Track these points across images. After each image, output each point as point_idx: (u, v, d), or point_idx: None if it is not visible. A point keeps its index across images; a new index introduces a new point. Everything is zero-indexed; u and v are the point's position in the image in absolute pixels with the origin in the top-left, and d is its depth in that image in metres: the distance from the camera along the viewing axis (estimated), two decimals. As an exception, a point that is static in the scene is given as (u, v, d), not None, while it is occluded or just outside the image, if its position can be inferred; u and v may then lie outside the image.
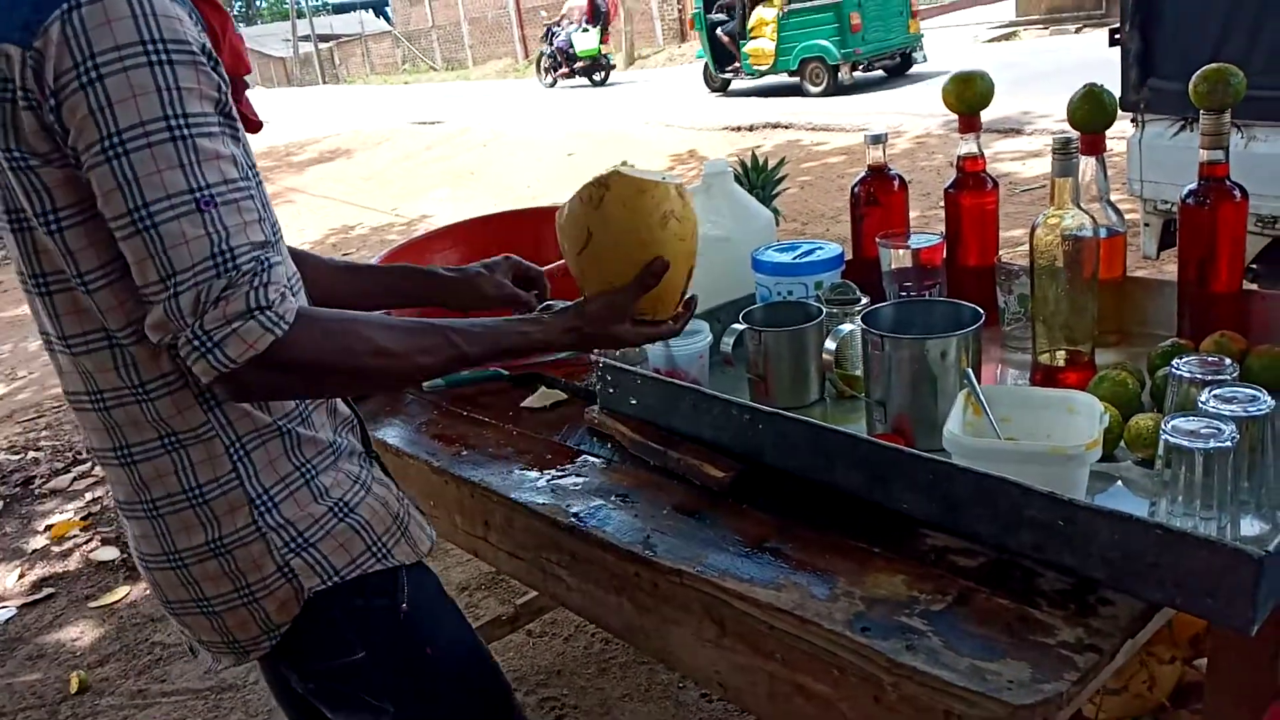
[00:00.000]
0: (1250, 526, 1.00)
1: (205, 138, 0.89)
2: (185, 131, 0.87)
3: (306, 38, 36.92)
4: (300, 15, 38.95)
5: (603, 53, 16.86)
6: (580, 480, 1.32)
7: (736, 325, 1.42)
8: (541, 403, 1.57)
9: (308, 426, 1.09)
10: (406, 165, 11.94)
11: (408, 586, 1.14)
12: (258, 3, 55.62)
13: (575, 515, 1.23)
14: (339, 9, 47.14)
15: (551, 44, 17.19)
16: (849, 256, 1.64)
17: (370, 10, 42.67)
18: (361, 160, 13.03)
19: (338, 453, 1.11)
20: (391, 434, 1.57)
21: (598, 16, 16.82)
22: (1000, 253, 1.57)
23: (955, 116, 1.57)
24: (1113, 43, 3.36)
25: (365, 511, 1.11)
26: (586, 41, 16.61)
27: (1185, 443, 0.95)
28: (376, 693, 1.14)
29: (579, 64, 16.73)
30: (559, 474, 1.34)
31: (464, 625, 1.26)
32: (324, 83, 34.17)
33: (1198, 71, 1.31)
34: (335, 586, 1.08)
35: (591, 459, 1.38)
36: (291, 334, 0.91)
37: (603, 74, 16.89)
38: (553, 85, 17.21)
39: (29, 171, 0.91)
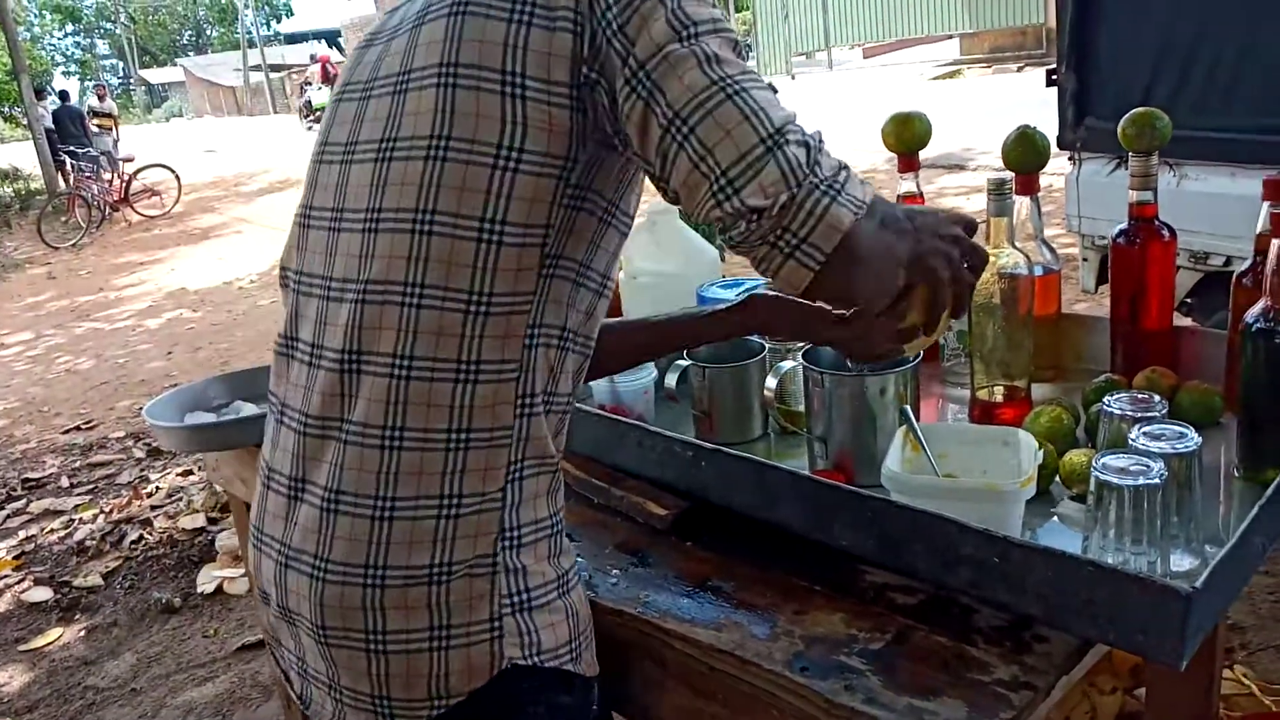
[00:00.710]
0: (1180, 561, 1.02)
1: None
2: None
3: (257, 67, 36.70)
4: (251, 44, 38.72)
5: None
6: (522, 519, 1.30)
7: (681, 361, 1.43)
8: (485, 439, 1.56)
9: (560, 477, 0.98)
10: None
11: (597, 704, 1.01)
12: (208, 31, 55.25)
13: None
14: (291, 39, 47.00)
15: (302, 97, 23.62)
16: (793, 292, 1.66)
17: (323, 40, 42.52)
18: (312, 190, 12.92)
19: (564, 521, 1.01)
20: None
21: (329, 78, 22.80)
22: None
23: (896, 154, 1.60)
24: (1050, 83, 3.45)
25: (576, 597, 0.99)
26: (320, 97, 22.36)
27: (1115, 479, 0.96)
28: None
29: (317, 114, 22.00)
30: (501, 512, 1.33)
31: None
32: (275, 112, 33.93)
33: (1126, 115, 1.35)
34: (532, 669, 0.93)
35: (534, 497, 1.36)
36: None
37: None
38: (310, 129, 21.37)
39: (521, 100, 0.86)
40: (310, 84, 24.13)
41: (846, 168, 0.86)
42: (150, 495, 4.17)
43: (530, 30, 0.86)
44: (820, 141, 0.86)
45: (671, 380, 1.41)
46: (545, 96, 0.86)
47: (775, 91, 0.88)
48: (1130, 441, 1.03)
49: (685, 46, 0.83)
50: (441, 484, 0.90)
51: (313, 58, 28.32)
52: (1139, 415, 1.09)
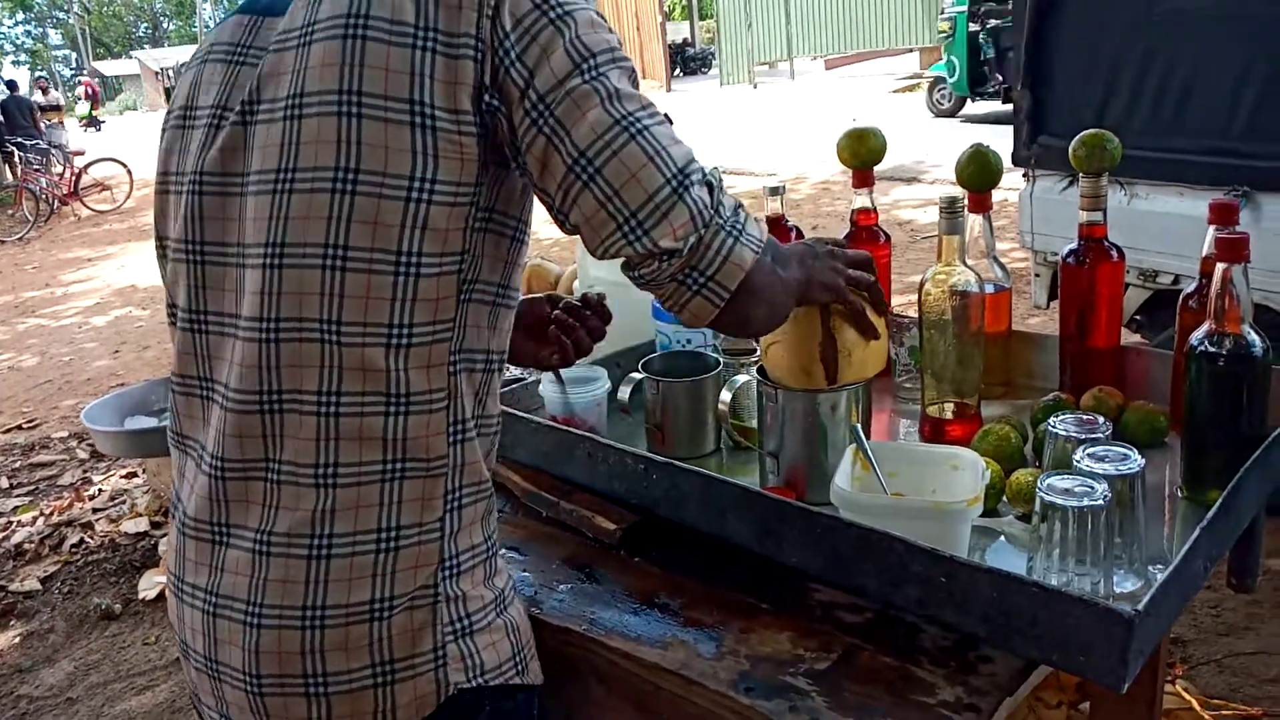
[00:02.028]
0: (1123, 582, 1.03)
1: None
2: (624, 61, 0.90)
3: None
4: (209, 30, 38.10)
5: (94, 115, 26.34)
6: (469, 532, 1.28)
7: (635, 374, 1.41)
8: (433, 449, 1.53)
9: (493, 500, 0.98)
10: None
11: (538, 709, 1.01)
12: (164, 24, 54.40)
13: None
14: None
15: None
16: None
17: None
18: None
19: (499, 543, 1.01)
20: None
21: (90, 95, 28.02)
22: (891, 306, 1.60)
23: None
24: (1005, 100, 3.50)
25: (515, 612, 0.98)
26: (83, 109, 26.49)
27: (1059, 500, 0.97)
28: None
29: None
30: (447, 525, 1.31)
31: None
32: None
33: (1076, 137, 1.36)
34: (477, 690, 0.92)
35: (482, 509, 1.34)
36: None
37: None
38: None
39: (431, 132, 0.84)
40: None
41: (742, 206, 0.92)
42: (92, 498, 4.07)
43: (435, 58, 0.84)
44: (719, 181, 0.91)
45: (625, 392, 1.40)
46: (454, 126, 0.85)
47: (671, 122, 0.91)
48: (1075, 463, 1.03)
49: (586, 81, 0.84)
50: (379, 517, 0.88)
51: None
52: (1084, 436, 1.09)
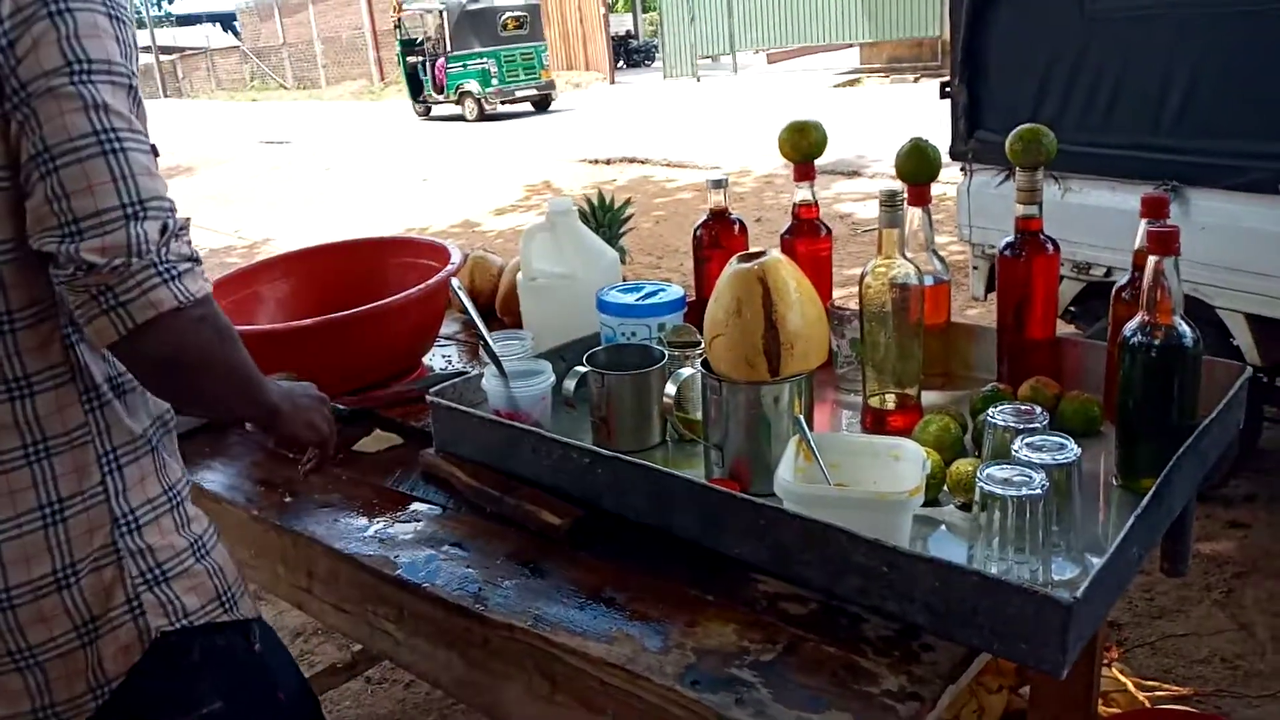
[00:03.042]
0: (1062, 569, 1.05)
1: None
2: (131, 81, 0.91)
3: (147, 49, 35.22)
4: (141, 25, 37.17)
5: None
6: (411, 529, 1.26)
7: (579, 368, 1.40)
8: (374, 446, 1.51)
9: (168, 452, 1.05)
10: (252, 185, 11.49)
11: (258, 629, 1.11)
12: (93, 10, 52.62)
13: (403, 567, 1.17)
14: (183, 20, 45.22)
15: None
16: (693, 298, 1.65)
17: (217, 24, 41.06)
18: (204, 178, 12.47)
19: (187, 488, 1.08)
20: (210, 477, 1.47)
21: None
22: (833, 298, 1.61)
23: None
24: (943, 95, 3.55)
25: (218, 556, 1.07)
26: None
27: (998, 490, 0.98)
28: None
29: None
30: (388, 522, 1.29)
31: (301, 673, 1.24)
32: (165, 96, 32.63)
33: (1013, 132, 1.38)
34: (183, 630, 1.00)
35: (424, 506, 1.33)
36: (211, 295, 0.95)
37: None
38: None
39: None
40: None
41: (195, 260, 0.93)
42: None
43: None
44: (181, 228, 0.92)
45: (569, 386, 1.39)
46: None
47: (157, 155, 0.94)
48: (1013, 452, 1.05)
49: (73, 83, 0.86)
50: (37, 496, 0.93)
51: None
52: (1022, 426, 1.11)
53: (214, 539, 1.08)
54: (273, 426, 1.16)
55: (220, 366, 0.98)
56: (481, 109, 16.05)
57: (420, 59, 17.08)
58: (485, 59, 16.00)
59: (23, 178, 0.88)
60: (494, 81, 15.99)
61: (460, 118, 16.38)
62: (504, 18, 16.61)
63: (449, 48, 16.37)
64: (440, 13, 16.51)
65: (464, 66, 16.10)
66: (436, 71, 16.69)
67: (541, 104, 16.70)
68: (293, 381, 1.27)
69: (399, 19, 17.90)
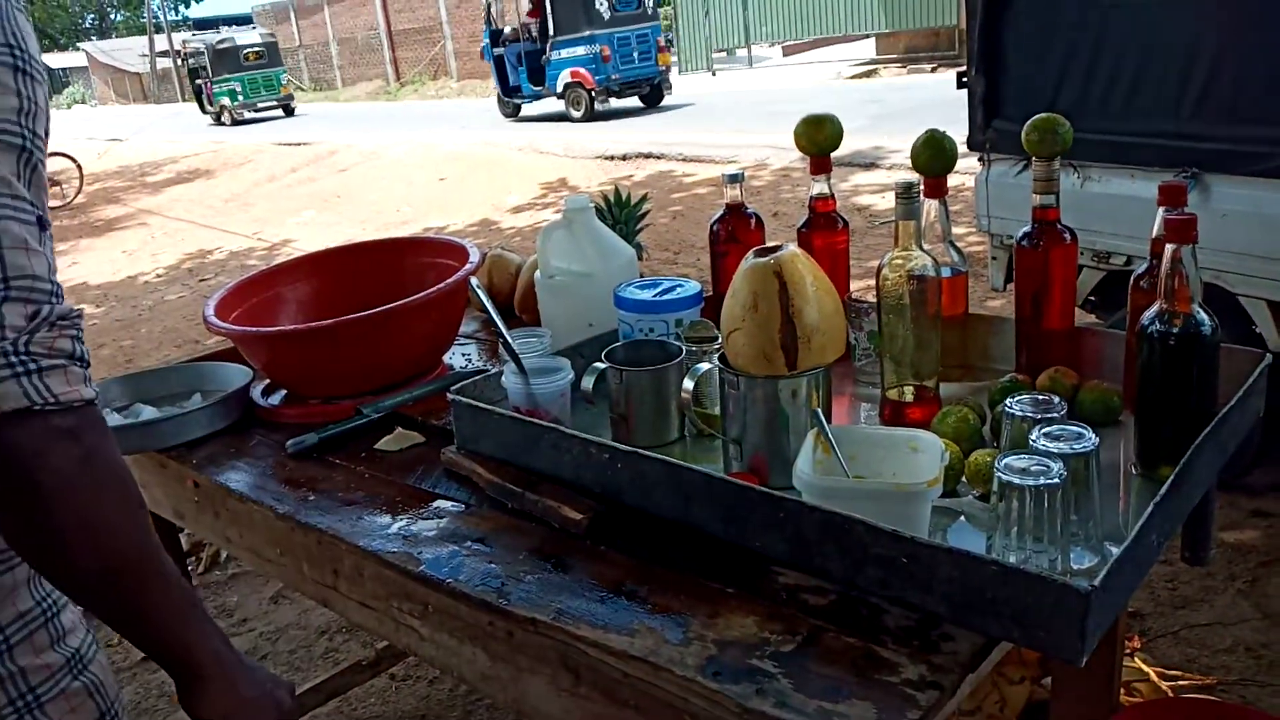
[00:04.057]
0: (1080, 559, 1.05)
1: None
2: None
3: (165, 53, 35.48)
4: (158, 30, 37.42)
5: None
6: (434, 525, 1.28)
7: (598, 364, 1.42)
8: (397, 445, 1.52)
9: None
10: (270, 187, 11.58)
11: None
12: (112, 15, 53.26)
13: (427, 563, 1.19)
14: (200, 24, 45.48)
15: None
16: (710, 293, 1.66)
17: (233, 26, 41.27)
18: (223, 181, 12.57)
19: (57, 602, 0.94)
20: (235, 477, 1.49)
21: None
22: (850, 291, 1.62)
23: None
24: (960, 85, 3.53)
25: (97, 669, 0.94)
26: None
27: (1016, 480, 0.98)
28: None
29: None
30: (412, 519, 1.30)
31: None
32: (184, 100, 32.85)
33: (1029, 121, 1.38)
34: None
35: (446, 503, 1.34)
36: (95, 408, 0.78)
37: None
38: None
39: None
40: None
41: (77, 360, 0.78)
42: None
43: None
44: (64, 319, 0.77)
45: (588, 383, 1.40)
46: None
47: (44, 228, 0.79)
48: (1031, 442, 1.05)
49: None
50: None
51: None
52: (1039, 416, 1.11)
53: (92, 650, 0.95)
54: (191, 691, 0.89)
55: (86, 510, 0.76)
56: (234, 117, 22.07)
57: (199, 80, 23.57)
58: (234, 82, 22.40)
59: None
60: (239, 97, 22.45)
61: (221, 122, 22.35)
62: (245, 52, 22.87)
63: (211, 75, 22.72)
64: (204, 50, 23.10)
65: (223, 86, 22.43)
66: (207, 89, 22.94)
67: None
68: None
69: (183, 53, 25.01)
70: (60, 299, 0.78)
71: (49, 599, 0.91)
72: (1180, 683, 2.20)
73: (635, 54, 14.32)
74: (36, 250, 0.76)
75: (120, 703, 0.96)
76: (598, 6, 14.36)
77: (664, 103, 14.67)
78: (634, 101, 14.75)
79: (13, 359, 0.73)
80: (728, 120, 11.89)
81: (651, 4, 14.91)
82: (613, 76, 14.02)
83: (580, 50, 14.16)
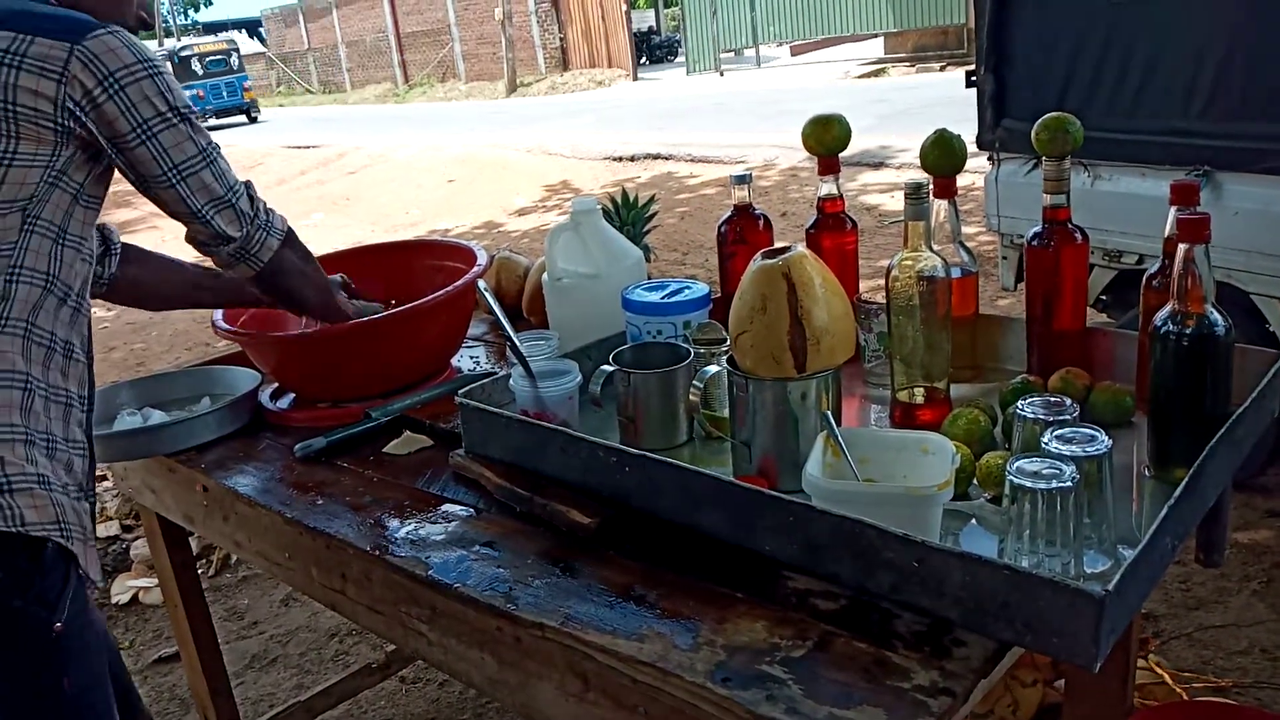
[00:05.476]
0: (1094, 562, 1.04)
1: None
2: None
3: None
4: (168, 34, 37.60)
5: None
6: (442, 529, 1.28)
7: (606, 366, 1.41)
8: (405, 448, 1.52)
9: (43, 406, 1.21)
10: (280, 190, 11.59)
11: (70, 605, 1.19)
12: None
13: (435, 567, 1.18)
14: (210, 28, 45.69)
15: None
16: (718, 294, 1.65)
17: (243, 30, 41.44)
18: (232, 185, 12.58)
19: (55, 449, 1.22)
20: (244, 482, 1.49)
21: None
22: (860, 292, 1.61)
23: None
24: (969, 84, 3.52)
25: (62, 499, 1.20)
26: None
27: (1028, 483, 0.97)
28: None
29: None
30: (420, 523, 1.30)
31: (106, 685, 1.28)
32: (193, 104, 32.99)
33: (1038, 121, 1.37)
34: (14, 536, 1.13)
35: (454, 507, 1.34)
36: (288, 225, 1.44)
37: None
38: None
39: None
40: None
41: (270, 211, 1.40)
42: (60, 503, 4.00)
43: (19, 74, 1.18)
44: (255, 192, 1.38)
45: (596, 385, 1.40)
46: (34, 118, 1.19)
47: (219, 152, 1.33)
48: (1043, 445, 1.04)
49: (170, 126, 1.26)
50: None
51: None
52: (1051, 418, 1.10)
53: (61, 491, 1.20)
54: (328, 319, 1.59)
55: (308, 274, 1.49)
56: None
57: None
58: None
59: (147, 189, 1.30)
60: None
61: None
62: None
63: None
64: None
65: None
66: None
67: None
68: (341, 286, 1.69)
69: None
70: (243, 182, 1.37)
71: (31, 430, 1.19)
72: (1195, 685, 2.18)
73: (225, 94, 23.25)
74: (230, 167, 1.35)
75: (83, 538, 1.22)
76: (194, 67, 23.13)
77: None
78: (240, 119, 23.29)
79: (264, 226, 1.38)
80: (732, 120, 11.88)
81: (238, 63, 23.95)
82: (208, 109, 22.35)
83: (189, 93, 20.67)
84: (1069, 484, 0.97)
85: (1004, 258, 3.53)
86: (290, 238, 1.42)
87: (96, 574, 1.26)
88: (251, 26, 40.55)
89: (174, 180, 1.27)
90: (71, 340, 1.27)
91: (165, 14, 38.91)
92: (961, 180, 1.50)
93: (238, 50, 24.90)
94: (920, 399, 1.38)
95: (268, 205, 1.38)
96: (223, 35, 29.32)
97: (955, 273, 1.41)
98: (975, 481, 1.19)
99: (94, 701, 1.25)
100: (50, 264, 1.23)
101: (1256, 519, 2.87)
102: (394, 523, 1.31)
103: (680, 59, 22.37)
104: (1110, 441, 1.04)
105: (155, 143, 1.24)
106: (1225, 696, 2.18)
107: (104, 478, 4.09)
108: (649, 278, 1.72)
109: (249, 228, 1.34)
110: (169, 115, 1.25)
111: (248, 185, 1.37)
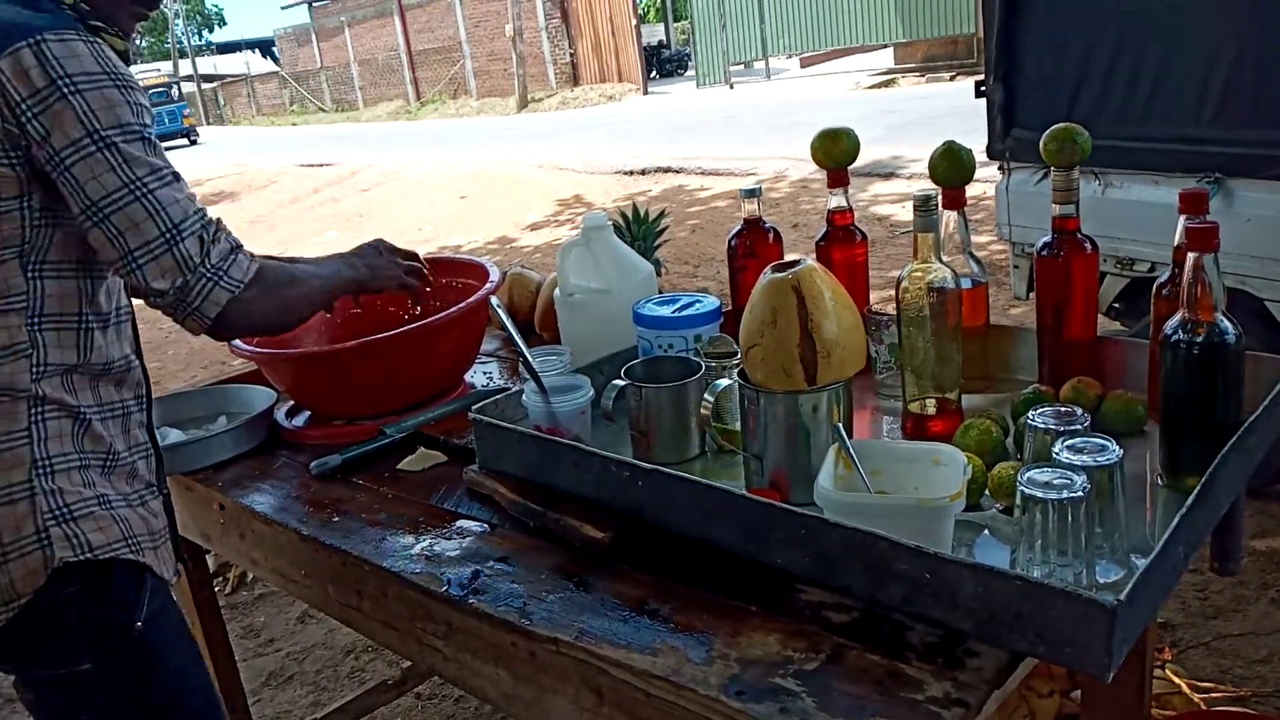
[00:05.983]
0: (1105, 572, 1.04)
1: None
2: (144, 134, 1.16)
3: (190, 77, 35.98)
4: (183, 54, 37.98)
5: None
6: (457, 545, 1.28)
7: (618, 381, 1.42)
8: (419, 465, 1.53)
9: (101, 426, 1.21)
10: (294, 208, 11.69)
11: (148, 604, 1.22)
12: (138, 41, 54.02)
13: (450, 583, 1.19)
14: (224, 48, 46.15)
15: None
16: (729, 308, 1.66)
17: (256, 50, 41.82)
18: (247, 203, 12.70)
19: (116, 463, 1.23)
20: (260, 500, 1.50)
21: None
22: (870, 303, 1.61)
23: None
24: (979, 94, 3.52)
25: (126, 513, 1.21)
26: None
27: (1039, 493, 0.98)
28: (98, 713, 1.19)
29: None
30: (434, 539, 1.31)
31: (200, 663, 1.34)
32: (208, 123, 33.32)
33: (1047, 131, 1.38)
34: (84, 563, 1.15)
35: (468, 523, 1.34)
36: (258, 264, 1.23)
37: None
38: None
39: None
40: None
41: (235, 248, 1.20)
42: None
43: None
44: (217, 231, 1.19)
45: (608, 400, 1.41)
46: None
47: (178, 179, 1.17)
48: (1054, 455, 1.04)
49: (98, 149, 1.11)
50: None
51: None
52: (1062, 428, 1.10)
53: (123, 504, 1.21)
54: (364, 292, 1.51)
55: (290, 306, 1.31)
56: None
57: None
58: None
59: (80, 224, 1.14)
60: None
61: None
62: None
63: None
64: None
65: None
66: None
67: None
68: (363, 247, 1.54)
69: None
70: (205, 216, 1.18)
71: (86, 454, 1.19)
72: (1213, 695, 2.17)
73: (166, 120, 25.71)
74: (179, 198, 1.16)
75: (152, 542, 1.25)
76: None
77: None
78: (182, 142, 25.82)
79: (210, 274, 1.16)
80: (742, 133, 11.90)
81: (178, 94, 27.20)
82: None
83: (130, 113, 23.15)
84: (1080, 494, 0.97)
85: (1015, 267, 3.53)
86: (257, 280, 1.21)
87: (170, 573, 1.28)
88: (265, 46, 40.91)
89: (93, 218, 1.11)
90: (114, 356, 1.24)
91: (180, 35, 39.31)
92: (972, 190, 1.51)
93: (178, 83, 29.53)
94: (932, 410, 1.38)
95: (235, 248, 1.20)
96: (175, 66, 32.67)
97: (965, 283, 1.42)
98: (987, 492, 1.19)
99: (195, 683, 1.31)
100: (80, 303, 1.19)
101: (1273, 526, 2.85)
102: (409, 539, 1.32)
103: (690, 72, 22.46)
104: (1121, 451, 1.04)
105: (69, 176, 1.10)
106: (1244, 706, 2.16)
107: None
108: (660, 291, 1.72)
109: (187, 276, 1.14)
110: (84, 142, 1.09)
111: (216, 223, 1.20)
